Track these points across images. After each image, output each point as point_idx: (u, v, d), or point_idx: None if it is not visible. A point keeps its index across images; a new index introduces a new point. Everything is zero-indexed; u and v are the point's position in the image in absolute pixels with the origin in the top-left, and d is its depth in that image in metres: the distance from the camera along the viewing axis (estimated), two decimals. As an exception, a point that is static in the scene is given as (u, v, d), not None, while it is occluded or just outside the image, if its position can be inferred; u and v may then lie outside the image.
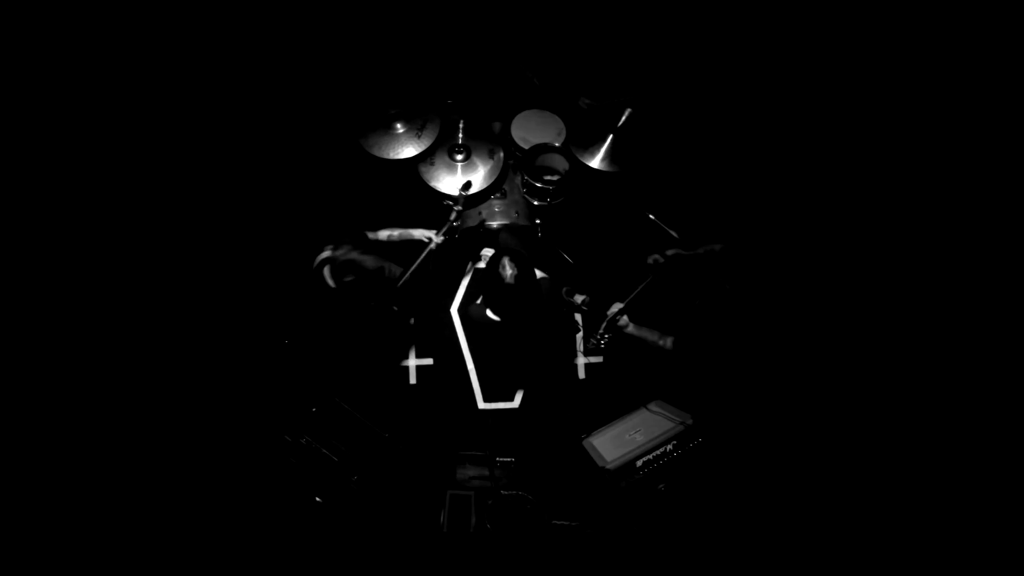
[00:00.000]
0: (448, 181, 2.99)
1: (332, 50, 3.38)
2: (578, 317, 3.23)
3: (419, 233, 2.81)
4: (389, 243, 2.83)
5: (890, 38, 2.93)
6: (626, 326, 2.60)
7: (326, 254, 2.52)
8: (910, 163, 2.97)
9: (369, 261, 2.57)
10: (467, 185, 2.84)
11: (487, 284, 2.46)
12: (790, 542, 2.39)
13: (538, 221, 3.25)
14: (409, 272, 2.53)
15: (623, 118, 2.98)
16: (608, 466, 2.70)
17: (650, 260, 2.92)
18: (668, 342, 2.58)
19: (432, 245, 2.68)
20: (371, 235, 2.79)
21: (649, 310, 2.78)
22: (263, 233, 3.27)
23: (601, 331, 2.57)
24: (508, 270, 2.30)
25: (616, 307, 2.58)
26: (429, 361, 3.28)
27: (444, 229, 2.74)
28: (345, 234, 2.63)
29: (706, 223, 3.21)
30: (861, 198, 3.09)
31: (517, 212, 3.19)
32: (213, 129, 3.21)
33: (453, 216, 2.76)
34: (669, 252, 2.87)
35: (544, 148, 3.07)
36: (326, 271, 2.50)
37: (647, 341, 2.62)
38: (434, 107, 3.06)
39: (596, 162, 3.03)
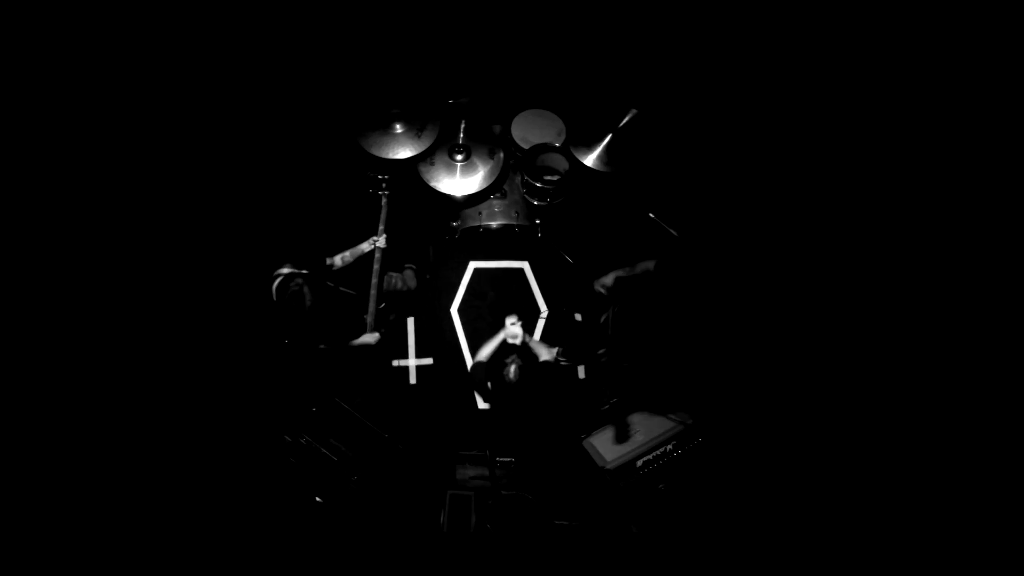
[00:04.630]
0: (447, 182, 2.99)
1: (334, 48, 3.39)
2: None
3: (364, 245, 2.94)
4: (345, 267, 2.92)
5: (887, 39, 2.94)
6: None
7: (285, 271, 2.57)
8: (906, 162, 2.98)
9: (309, 297, 2.58)
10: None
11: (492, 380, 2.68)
12: (789, 541, 2.38)
13: (538, 221, 3.24)
14: (373, 301, 2.88)
15: (626, 119, 2.95)
16: (608, 466, 2.70)
17: (598, 287, 3.00)
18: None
19: (377, 249, 2.91)
20: (329, 260, 2.87)
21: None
22: (261, 233, 3.26)
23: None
24: (512, 373, 2.52)
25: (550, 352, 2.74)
26: (429, 361, 3.27)
27: (379, 231, 2.94)
28: (307, 257, 2.72)
29: (706, 220, 3.21)
30: (854, 197, 3.10)
31: (517, 212, 3.18)
32: (210, 127, 3.22)
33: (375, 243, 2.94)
34: (608, 278, 2.96)
35: (544, 148, 3.06)
36: (275, 285, 2.54)
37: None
38: (436, 108, 3.03)
39: (590, 160, 3.01)
